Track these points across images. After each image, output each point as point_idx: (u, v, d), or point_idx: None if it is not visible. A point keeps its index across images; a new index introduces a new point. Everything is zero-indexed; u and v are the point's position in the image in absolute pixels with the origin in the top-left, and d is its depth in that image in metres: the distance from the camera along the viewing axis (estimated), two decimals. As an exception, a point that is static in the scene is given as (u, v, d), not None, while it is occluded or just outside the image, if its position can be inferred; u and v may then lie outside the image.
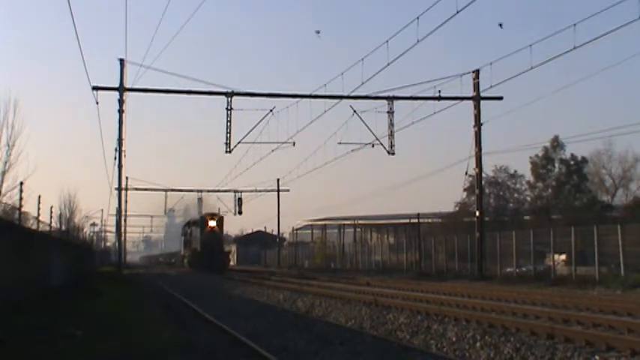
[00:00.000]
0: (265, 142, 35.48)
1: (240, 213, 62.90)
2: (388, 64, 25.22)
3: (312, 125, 37.20)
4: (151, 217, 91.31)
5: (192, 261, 57.38)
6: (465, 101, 34.20)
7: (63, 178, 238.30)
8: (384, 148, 34.75)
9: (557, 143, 51.76)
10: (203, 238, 54.42)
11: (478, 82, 33.41)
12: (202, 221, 55.98)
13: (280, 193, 69.02)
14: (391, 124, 34.44)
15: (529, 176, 54.31)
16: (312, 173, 45.20)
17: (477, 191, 35.75)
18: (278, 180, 67.80)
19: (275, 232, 75.44)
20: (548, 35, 43.39)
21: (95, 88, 32.77)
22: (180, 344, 11.40)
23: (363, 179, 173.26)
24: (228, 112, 33.41)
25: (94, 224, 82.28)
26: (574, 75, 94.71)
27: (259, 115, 34.04)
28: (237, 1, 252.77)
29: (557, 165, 52.64)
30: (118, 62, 34.40)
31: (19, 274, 17.82)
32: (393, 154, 34.77)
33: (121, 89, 34.18)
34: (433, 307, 15.29)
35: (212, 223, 55.16)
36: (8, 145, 29.06)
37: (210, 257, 52.17)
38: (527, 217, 52.65)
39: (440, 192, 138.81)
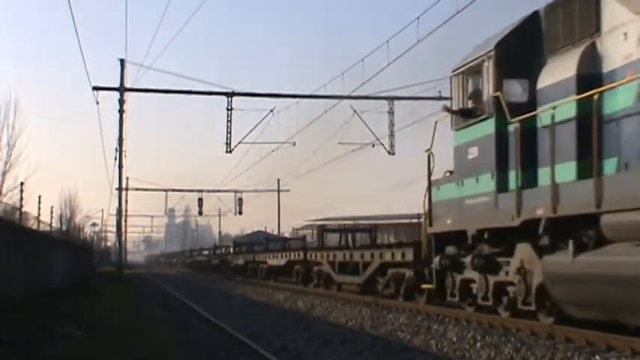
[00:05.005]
0: (265, 142, 35.10)
1: (240, 213, 62.99)
2: (388, 64, 25.21)
3: (312, 125, 36.89)
4: (151, 217, 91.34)
5: None
6: (465, 101, 34.17)
7: (63, 178, 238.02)
8: (384, 148, 34.78)
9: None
10: None
11: (478, 82, 33.37)
12: None
13: (280, 193, 69.04)
14: (391, 124, 34.48)
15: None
16: (312, 173, 44.56)
17: (477, 191, 35.72)
18: (278, 180, 67.81)
19: (275, 232, 75.46)
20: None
21: (95, 89, 32.84)
22: (181, 344, 11.42)
23: (363, 179, 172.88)
24: (229, 112, 33.45)
25: (94, 224, 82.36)
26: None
27: (259, 115, 33.86)
28: (238, 1, 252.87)
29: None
30: (119, 62, 34.47)
31: (20, 274, 17.84)
32: (393, 154, 34.80)
33: (122, 89, 34.22)
34: (433, 307, 15.27)
35: None
36: (8, 146, 29.16)
37: None
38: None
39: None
